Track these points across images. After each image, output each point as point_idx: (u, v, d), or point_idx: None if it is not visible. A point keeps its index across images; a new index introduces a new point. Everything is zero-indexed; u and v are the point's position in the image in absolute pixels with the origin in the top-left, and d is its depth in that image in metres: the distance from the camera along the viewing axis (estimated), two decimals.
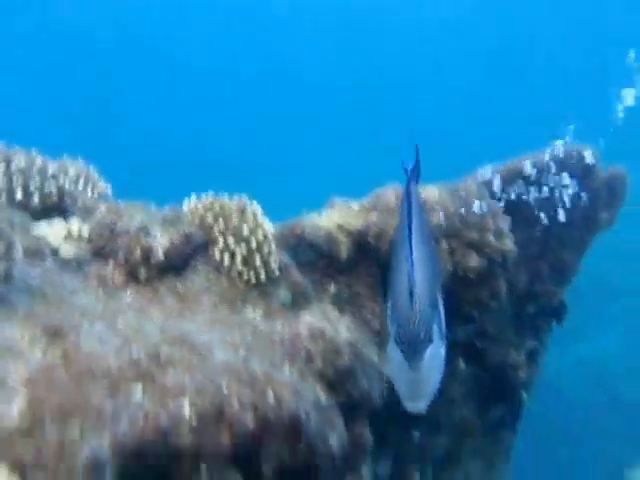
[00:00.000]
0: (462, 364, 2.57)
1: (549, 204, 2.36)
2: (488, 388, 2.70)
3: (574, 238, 2.49)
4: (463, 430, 2.70)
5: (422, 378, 1.24)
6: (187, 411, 1.04)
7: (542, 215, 2.24)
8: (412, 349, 1.24)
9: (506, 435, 2.93)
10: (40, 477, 0.79)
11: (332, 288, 1.90)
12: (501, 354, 2.59)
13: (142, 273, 1.36)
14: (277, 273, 1.60)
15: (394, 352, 1.27)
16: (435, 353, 1.28)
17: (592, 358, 6.90)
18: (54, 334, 0.97)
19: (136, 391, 1.00)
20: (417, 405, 1.24)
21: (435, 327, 1.31)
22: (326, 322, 1.46)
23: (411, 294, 1.28)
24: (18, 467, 0.78)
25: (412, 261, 1.35)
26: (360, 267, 1.97)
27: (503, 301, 2.16)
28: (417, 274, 1.32)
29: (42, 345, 0.94)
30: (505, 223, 2.04)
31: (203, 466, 1.04)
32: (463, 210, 2.05)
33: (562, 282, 2.66)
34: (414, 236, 1.43)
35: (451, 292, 1.94)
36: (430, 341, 1.26)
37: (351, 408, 1.49)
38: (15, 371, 0.87)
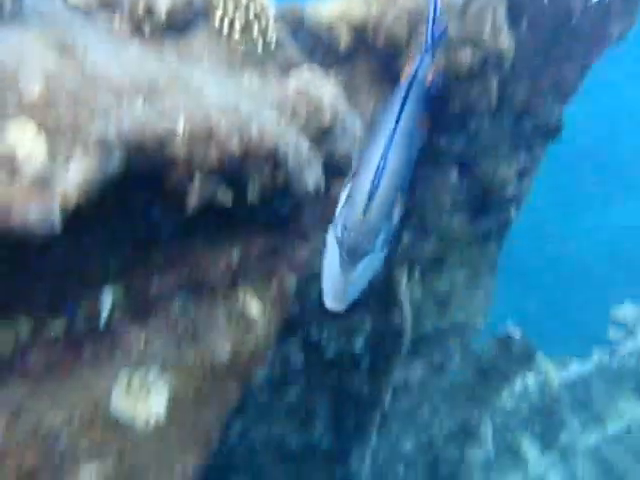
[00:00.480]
0: (454, 174, 2.72)
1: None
2: (478, 200, 2.88)
3: (579, 51, 2.51)
4: (451, 238, 2.92)
5: (349, 285, 1.21)
6: (182, 126, 1.23)
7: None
8: (350, 256, 1.21)
9: (492, 247, 3.16)
10: (60, 141, 1.00)
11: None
12: (492, 167, 2.74)
13: (146, 28, 1.51)
14: (274, 46, 1.72)
15: (331, 248, 1.25)
16: (370, 264, 1.24)
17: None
18: (65, 49, 1.14)
19: (137, 103, 1.19)
20: (336, 306, 1.22)
21: (381, 237, 1.26)
22: (316, 87, 1.61)
23: (370, 199, 1.22)
24: (42, 128, 0.99)
25: (383, 165, 1.28)
26: (359, 60, 2.07)
27: (493, 104, 2.27)
28: (384, 180, 1.26)
29: (55, 53, 1.12)
30: (504, 18, 2.07)
31: (197, 175, 1.26)
32: None
33: (561, 101, 2.72)
34: (398, 137, 1.34)
35: (443, 90, 2.05)
36: (371, 251, 1.23)
37: (331, 170, 1.68)
38: (32, 64, 1.05)
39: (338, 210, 1.32)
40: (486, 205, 2.95)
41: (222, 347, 1.36)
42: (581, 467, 4.10)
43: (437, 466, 3.54)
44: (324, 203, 1.65)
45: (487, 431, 3.74)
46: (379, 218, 1.25)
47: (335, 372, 2.80)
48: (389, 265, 2.50)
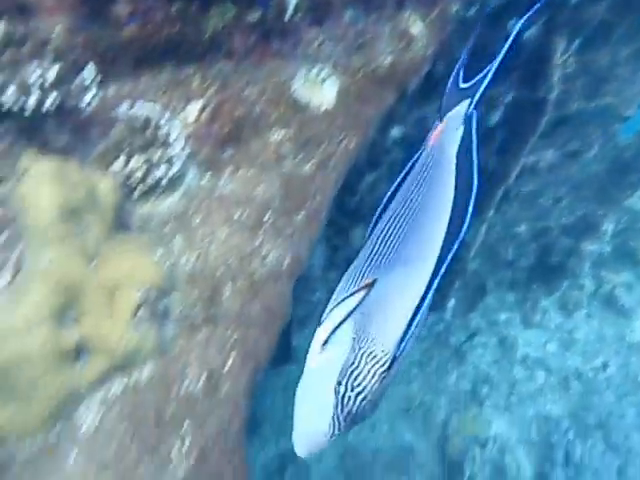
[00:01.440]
0: None
1: None
2: None
3: None
4: None
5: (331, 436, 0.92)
6: None
7: None
8: (346, 421, 0.90)
9: None
10: None
11: None
12: None
13: None
14: None
15: (316, 378, 0.94)
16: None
17: None
18: None
19: None
20: (305, 453, 0.93)
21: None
22: None
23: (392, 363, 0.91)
24: None
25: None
26: None
27: None
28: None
29: None
30: None
31: None
32: None
33: None
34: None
35: None
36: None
37: None
38: None
39: (327, 327, 0.97)
40: None
41: (384, 57, 1.56)
42: None
43: (549, 253, 3.67)
44: None
45: (608, 228, 3.76)
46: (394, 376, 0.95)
47: None
48: (546, 29, 2.47)
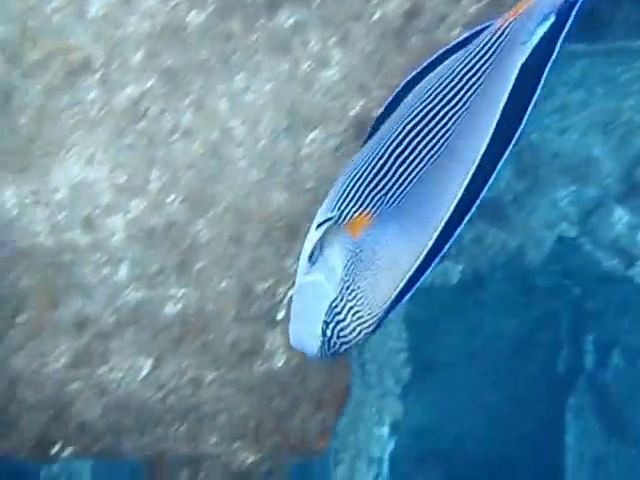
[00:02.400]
0: None
1: None
2: None
3: None
4: None
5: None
6: None
7: None
8: (332, 351, 0.89)
9: None
10: None
11: None
12: None
13: None
14: None
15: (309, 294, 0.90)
16: None
17: None
18: None
19: None
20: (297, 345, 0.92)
21: None
22: None
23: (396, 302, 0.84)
24: None
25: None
26: None
27: None
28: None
29: None
30: None
31: None
32: None
33: None
34: None
35: None
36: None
37: None
38: None
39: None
40: None
41: None
42: None
43: None
44: None
45: None
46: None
47: None
48: None
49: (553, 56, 0.73)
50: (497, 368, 3.45)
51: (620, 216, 3.24)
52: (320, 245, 0.85)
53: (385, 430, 3.14)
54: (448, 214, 0.77)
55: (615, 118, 3.15)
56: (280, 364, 1.39)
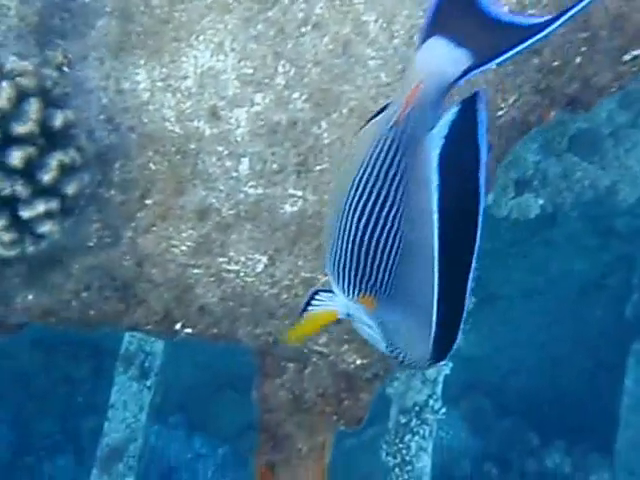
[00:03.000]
0: None
1: None
2: None
3: None
4: None
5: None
6: None
7: None
8: None
9: None
10: None
11: None
12: None
13: None
14: None
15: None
16: None
17: None
18: None
19: None
20: None
21: None
22: None
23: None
24: None
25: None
26: None
27: None
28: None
29: None
30: None
31: None
32: None
33: None
34: None
35: None
36: None
37: None
38: None
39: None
40: None
41: None
42: None
43: None
44: None
45: None
46: None
47: None
48: None
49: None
50: (560, 307, 3.30)
51: None
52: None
53: None
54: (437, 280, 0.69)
55: None
56: None
